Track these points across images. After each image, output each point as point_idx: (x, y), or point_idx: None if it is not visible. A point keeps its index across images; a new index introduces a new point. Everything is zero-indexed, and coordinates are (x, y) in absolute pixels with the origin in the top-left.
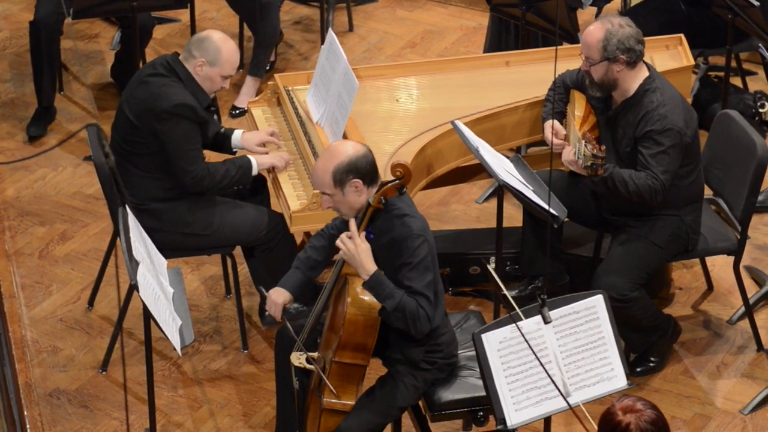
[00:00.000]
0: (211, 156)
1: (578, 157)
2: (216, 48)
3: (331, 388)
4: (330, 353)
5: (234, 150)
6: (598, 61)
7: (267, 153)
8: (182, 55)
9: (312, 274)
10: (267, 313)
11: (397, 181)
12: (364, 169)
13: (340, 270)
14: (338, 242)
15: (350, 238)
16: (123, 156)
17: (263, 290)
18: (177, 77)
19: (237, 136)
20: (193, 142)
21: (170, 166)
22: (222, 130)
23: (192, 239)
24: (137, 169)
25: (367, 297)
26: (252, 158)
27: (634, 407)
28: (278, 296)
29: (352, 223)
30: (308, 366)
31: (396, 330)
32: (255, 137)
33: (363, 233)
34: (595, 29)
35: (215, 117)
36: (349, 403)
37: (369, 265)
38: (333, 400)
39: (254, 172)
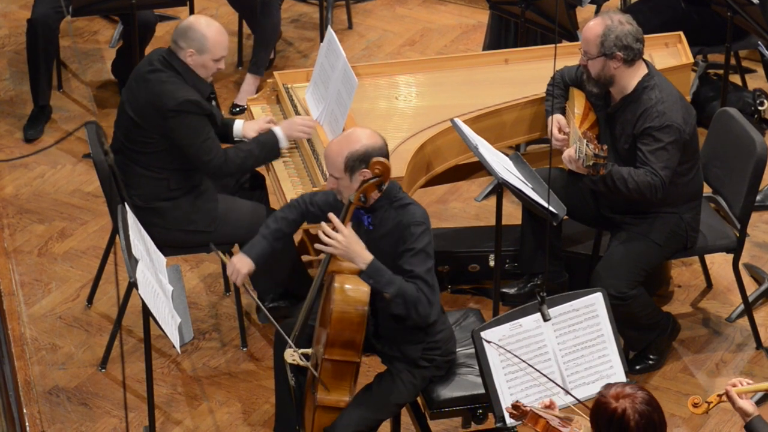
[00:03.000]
0: None
1: (579, 156)
2: (201, 35)
3: (323, 383)
4: (321, 350)
5: (235, 139)
6: (595, 56)
7: None
8: (172, 47)
9: (277, 246)
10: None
11: (377, 179)
12: None
13: (326, 267)
14: (323, 241)
15: (335, 230)
16: (127, 155)
17: (218, 252)
18: (175, 71)
19: (238, 126)
20: (204, 133)
21: (190, 162)
22: (223, 120)
23: (194, 236)
24: (142, 167)
25: (352, 293)
26: (277, 130)
27: (625, 392)
28: (243, 265)
29: (332, 216)
30: (302, 363)
31: (392, 328)
32: (255, 125)
33: (349, 224)
34: (594, 24)
35: (214, 104)
36: (343, 399)
37: (364, 254)
38: (326, 397)
39: (283, 144)
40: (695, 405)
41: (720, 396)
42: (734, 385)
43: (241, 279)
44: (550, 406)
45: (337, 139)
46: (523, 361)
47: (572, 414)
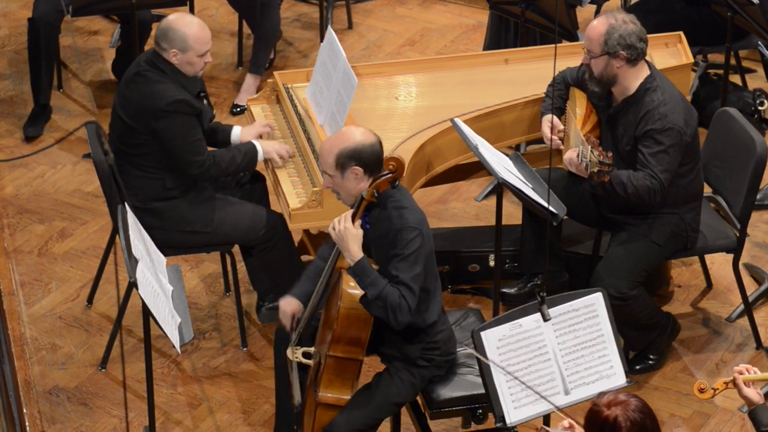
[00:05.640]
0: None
1: (581, 160)
2: (181, 34)
3: (326, 379)
4: (325, 347)
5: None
6: (599, 55)
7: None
8: (156, 49)
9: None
10: (264, 308)
11: (390, 175)
12: (367, 159)
13: (334, 264)
14: (330, 226)
15: (343, 220)
16: (122, 157)
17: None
18: (162, 72)
19: (236, 133)
20: (194, 133)
21: (175, 161)
22: (214, 122)
23: (192, 237)
24: (137, 169)
25: (360, 291)
26: (257, 144)
27: (617, 399)
28: (287, 305)
29: (349, 212)
30: (304, 361)
31: (393, 327)
32: (253, 130)
33: (359, 221)
34: (598, 23)
35: (205, 102)
36: (344, 397)
37: (355, 250)
38: (328, 395)
39: (260, 158)
40: (701, 390)
41: (727, 383)
42: (741, 372)
43: (288, 319)
44: (570, 428)
45: (331, 137)
46: (510, 374)
47: None
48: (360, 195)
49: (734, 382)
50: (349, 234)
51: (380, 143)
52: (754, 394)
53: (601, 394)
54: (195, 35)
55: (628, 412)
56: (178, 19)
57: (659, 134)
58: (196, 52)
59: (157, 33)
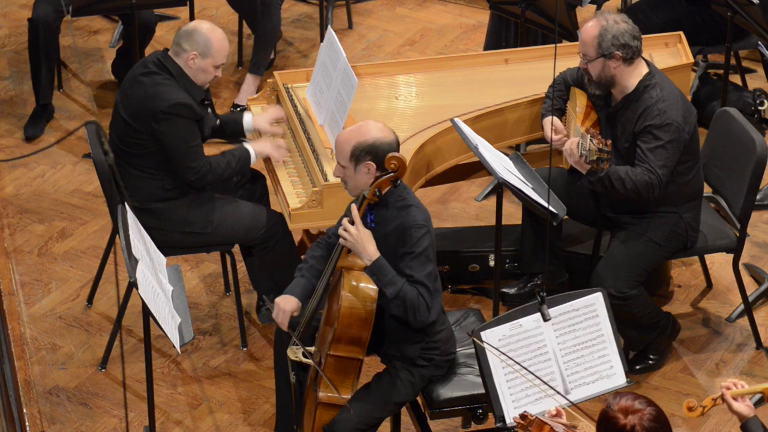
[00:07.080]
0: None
1: (581, 152)
2: (206, 38)
3: (328, 380)
4: (326, 347)
5: (247, 133)
6: (594, 58)
7: (280, 132)
8: (172, 50)
9: (315, 282)
10: (264, 308)
11: (392, 174)
12: (382, 155)
13: (335, 264)
14: (340, 229)
15: (352, 224)
16: (122, 157)
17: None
18: (169, 74)
19: (248, 120)
20: (192, 139)
21: (172, 165)
22: (218, 120)
23: (192, 237)
24: (136, 169)
25: (361, 290)
26: (250, 148)
27: (633, 407)
28: (286, 303)
29: (354, 209)
30: (305, 360)
31: (392, 327)
32: (267, 116)
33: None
34: (590, 26)
35: (209, 110)
36: (345, 397)
37: (371, 250)
38: (328, 394)
39: (253, 161)
40: (690, 409)
41: (715, 399)
42: (729, 388)
43: (286, 318)
44: (557, 415)
45: (349, 128)
46: (518, 363)
47: (578, 420)
48: (361, 194)
49: (722, 397)
50: (364, 235)
51: (397, 142)
52: (744, 407)
53: (615, 395)
54: (218, 44)
55: (644, 421)
56: (204, 25)
57: (657, 130)
58: (214, 61)
59: (180, 34)
